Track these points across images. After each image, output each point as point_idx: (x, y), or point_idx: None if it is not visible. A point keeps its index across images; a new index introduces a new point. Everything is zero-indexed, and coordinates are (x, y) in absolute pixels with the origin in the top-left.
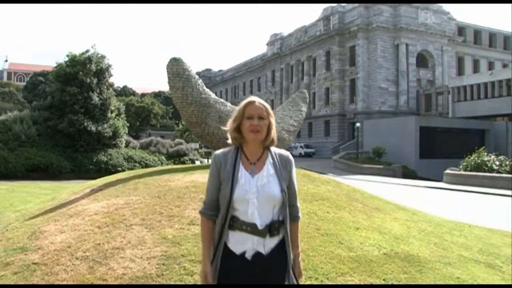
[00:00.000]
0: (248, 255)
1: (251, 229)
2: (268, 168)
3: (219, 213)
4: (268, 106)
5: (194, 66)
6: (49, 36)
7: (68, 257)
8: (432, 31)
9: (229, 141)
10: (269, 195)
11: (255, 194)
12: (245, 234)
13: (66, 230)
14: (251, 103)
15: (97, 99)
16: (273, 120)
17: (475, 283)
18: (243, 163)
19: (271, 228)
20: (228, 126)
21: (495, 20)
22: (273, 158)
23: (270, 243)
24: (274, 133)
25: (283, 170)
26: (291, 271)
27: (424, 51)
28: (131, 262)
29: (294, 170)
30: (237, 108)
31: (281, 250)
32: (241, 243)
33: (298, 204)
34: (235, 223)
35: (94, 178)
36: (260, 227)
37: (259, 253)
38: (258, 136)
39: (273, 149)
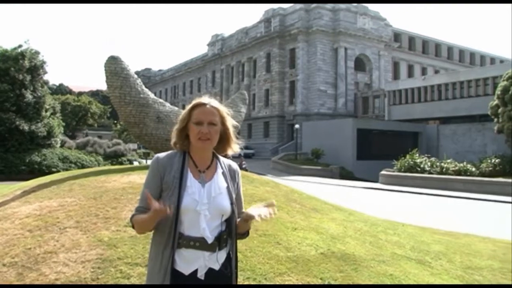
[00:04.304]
0: (201, 274)
1: (200, 244)
2: (220, 178)
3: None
4: (222, 108)
5: (133, 65)
6: None
7: None
8: (370, 36)
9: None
10: (220, 207)
11: (207, 206)
12: (194, 251)
13: None
14: (200, 105)
15: (30, 97)
16: (229, 124)
17: (407, 279)
18: (191, 170)
19: (220, 240)
20: (174, 129)
21: (428, 28)
22: (222, 168)
23: (222, 256)
24: (231, 140)
25: (232, 182)
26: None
27: (362, 55)
28: (65, 266)
29: (241, 182)
30: (186, 109)
31: (228, 262)
32: (190, 262)
33: None
34: (180, 240)
35: (27, 179)
36: (209, 240)
37: (211, 269)
38: (207, 145)
39: (221, 158)
